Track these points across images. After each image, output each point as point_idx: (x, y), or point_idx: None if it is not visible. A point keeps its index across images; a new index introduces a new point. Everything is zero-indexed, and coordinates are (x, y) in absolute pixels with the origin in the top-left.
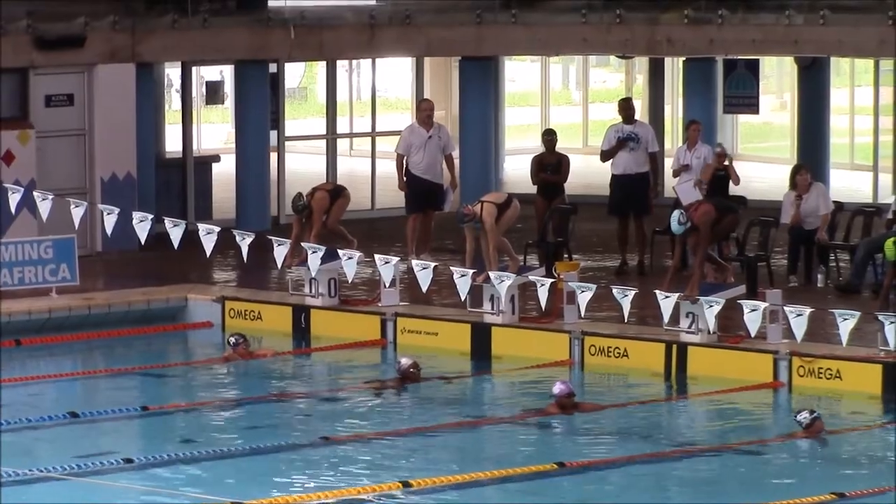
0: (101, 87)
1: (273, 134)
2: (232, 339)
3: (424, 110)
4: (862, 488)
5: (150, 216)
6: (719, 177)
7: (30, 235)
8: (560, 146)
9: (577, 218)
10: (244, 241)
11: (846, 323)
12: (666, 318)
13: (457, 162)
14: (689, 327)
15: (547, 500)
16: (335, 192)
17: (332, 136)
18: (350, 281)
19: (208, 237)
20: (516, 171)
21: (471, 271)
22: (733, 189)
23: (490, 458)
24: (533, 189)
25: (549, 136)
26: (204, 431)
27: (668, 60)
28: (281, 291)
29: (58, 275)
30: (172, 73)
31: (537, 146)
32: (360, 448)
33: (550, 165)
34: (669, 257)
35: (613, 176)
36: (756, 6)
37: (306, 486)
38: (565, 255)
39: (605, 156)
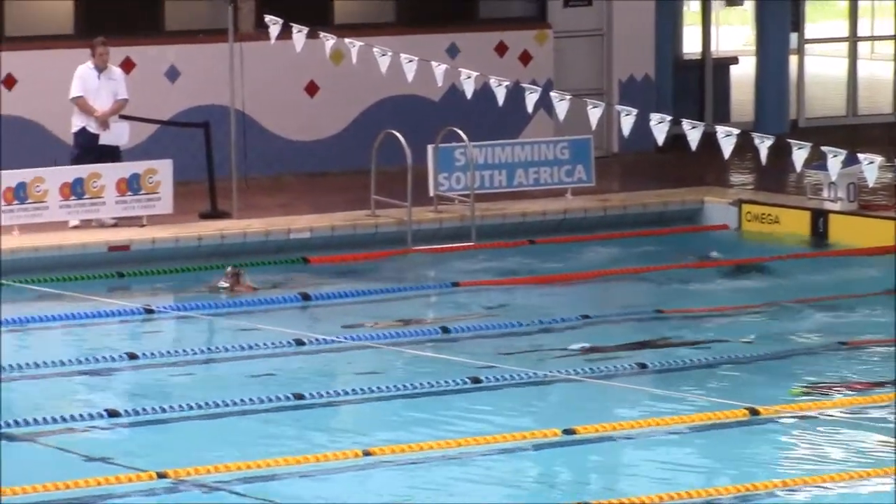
0: None
1: (793, 36)
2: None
3: None
4: None
5: (668, 118)
6: None
7: (546, 136)
8: None
9: None
10: (763, 144)
11: None
12: None
13: None
14: None
15: None
16: None
17: (853, 38)
18: (871, 185)
19: (727, 140)
20: None
21: None
22: None
23: None
24: None
25: None
26: (715, 335)
27: None
28: (798, 195)
29: (573, 175)
30: None
31: None
32: (877, 352)
33: None
34: None
35: None
36: None
37: (819, 392)
38: None
39: None
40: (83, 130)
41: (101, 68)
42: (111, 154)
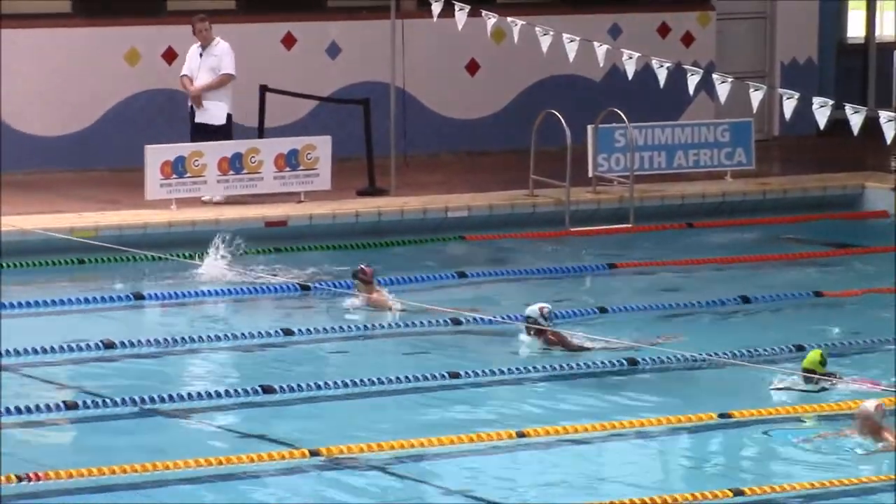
0: None
1: None
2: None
3: None
4: None
5: (831, 102)
6: None
7: (706, 118)
8: None
9: None
10: None
11: None
12: None
13: None
14: None
15: None
16: None
17: None
18: None
19: (889, 125)
20: None
21: None
22: None
23: None
24: None
25: None
26: (871, 319)
27: None
28: None
29: (734, 158)
30: None
31: None
32: None
33: None
34: None
35: None
36: None
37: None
38: None
39: None
40: (191, 108)
41: (203, 45)
42: (212, 132)
